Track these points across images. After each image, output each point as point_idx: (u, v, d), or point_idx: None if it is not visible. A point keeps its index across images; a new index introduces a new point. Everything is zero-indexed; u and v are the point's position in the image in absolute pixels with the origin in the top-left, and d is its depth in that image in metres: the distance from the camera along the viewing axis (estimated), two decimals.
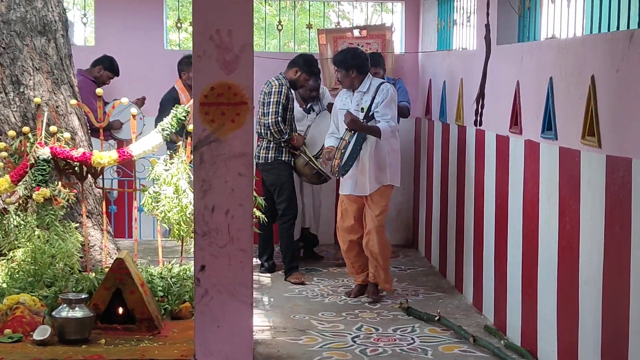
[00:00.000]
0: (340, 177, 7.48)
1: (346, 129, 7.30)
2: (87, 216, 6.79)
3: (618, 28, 5.18)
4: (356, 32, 9.72)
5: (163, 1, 10.11)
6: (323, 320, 6.85)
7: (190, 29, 10.77)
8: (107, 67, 8.99)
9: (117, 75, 9.10)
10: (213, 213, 4.85)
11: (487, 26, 4.47)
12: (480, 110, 4.22)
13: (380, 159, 7.41)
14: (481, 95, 4.25)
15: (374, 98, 7.37)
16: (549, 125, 5.66)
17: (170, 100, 8.40)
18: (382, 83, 7.51)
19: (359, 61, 7.48)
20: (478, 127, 4.51)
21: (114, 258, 6.79)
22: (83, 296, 5.56)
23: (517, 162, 6.25)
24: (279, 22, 10.12)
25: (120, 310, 5.65)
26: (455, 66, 8.21)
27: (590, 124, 5.00)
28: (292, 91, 8.36)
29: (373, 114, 7.36)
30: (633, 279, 4.48)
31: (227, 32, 4.79)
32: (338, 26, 10.68)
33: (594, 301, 4.96)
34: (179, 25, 10.51)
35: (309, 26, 10.36)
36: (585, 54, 5.16)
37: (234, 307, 4.88)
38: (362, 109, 7.39)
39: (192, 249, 6.84)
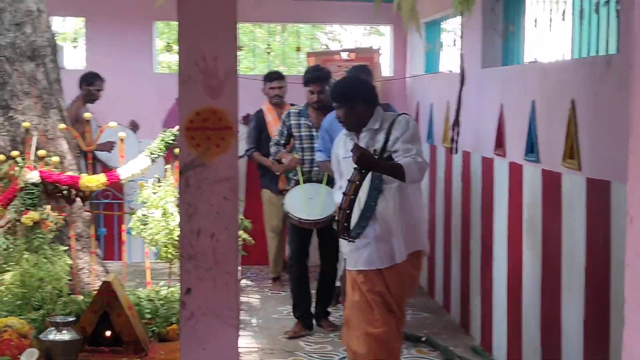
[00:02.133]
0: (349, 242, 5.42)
1: (355, 170, 5.22)
2: (76, 239, 6.82)
3: (588, 53, 5.27)
4: (344, 55, 9.81)
5: (152, 25, 10.20)
6: (311, 341, 6.91)
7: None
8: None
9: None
10: (199, 236, 4.87)
11: (462, 56, 4.54)
12: (456, 137, 4.28)
13: (408, 214, 5.47)
14: (456, 123, 4.32)
15: (388, 135, 5.45)
16: (531, 148, 5.73)
17: (254, 123, 8.89)
18: (399, 115, 5.61)
19: (364, 89, 5.66)
20: (454, 154, 4.60)
21: (102, 280, 6.85)
22: (70, 319, 5.59)
23: (501, 183, 6.32)
24: (268, 45, 10.23)
25: (108, 332, 5.67)
26: (442, 89, 8.29)
27: (571, 146, 5.07)
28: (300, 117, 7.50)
29: (390, 155, 5.41)
30: (613, 300, 4.55)
31: (212, 58, 4.82)
32: (326, 49, 10.77)
33: (576, 322, 5.02)
34: (168, 49, 10.60)
35: (298, 49, 10.45)
36: (566, 77, 5.24)
37: (219, 330, 4.89)
38: (375, 151, 5.37)
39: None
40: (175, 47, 10.95)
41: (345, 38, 17.00)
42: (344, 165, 5.63)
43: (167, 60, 13.03)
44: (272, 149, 7.67)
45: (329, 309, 7.59)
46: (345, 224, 5.18)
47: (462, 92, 4.46)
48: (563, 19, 5.71)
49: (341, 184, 5.59)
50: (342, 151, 5.69)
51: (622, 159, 4.43)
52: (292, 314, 7.44)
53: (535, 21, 6.16)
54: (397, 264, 5.41)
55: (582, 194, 4.93)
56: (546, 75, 5.56)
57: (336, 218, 5.25)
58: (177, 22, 4.98)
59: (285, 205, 7.13)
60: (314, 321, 7.41)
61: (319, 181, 7.23)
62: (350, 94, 5.58)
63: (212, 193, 4.87)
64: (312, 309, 7.45)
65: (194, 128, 4.88)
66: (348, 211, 5.14)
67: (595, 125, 4.80)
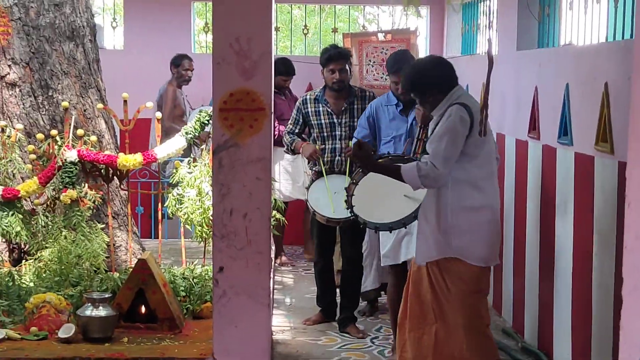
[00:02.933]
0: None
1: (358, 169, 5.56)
2: (113, 217, 6.93)
3: (623, 36, 5.24)
4: (381, 36, 9.80)
5: (191, 6, 10.27)
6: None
7: None
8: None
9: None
10: (231, 216, 4.97)
11: (489, 41, 4.54)
12: (484, 120, 4.29)
13: (442, 215, 4.98)
14: (485, 106, 4.32)
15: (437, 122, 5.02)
16: (565, 131, 5.73)
17: None
18: (454, 104, 4.94)
19: (441, 73, 5.12)
20: (483, 136, 4.63)
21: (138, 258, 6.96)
22: (107, 296, 5.69)
23: (535, 166, 6.33)
24: (305, 26, 10.25)
25: (143, 309, 5.78)
26: (478, 70, 8.26)
27: (604, 130, 5.07)
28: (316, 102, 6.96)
29: (398, 155, 5.65)
30: None
31: (246, 39, 4.90)
32: (364, 30, 10.78)
33: (606, 305, 5.02)
34: (206, 30, 10.65)
35: (335, 30, 10.46)
36: (600, 61, 5.23)
37: (251, 308, 4.99)
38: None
39: None
40: (209, 27, 11.06)
41: (382, 19, 17.00)
42: None
43: (205, 40, 13.10)
44: (287, 139, 7.01)
45: (356, 314, 7.04)
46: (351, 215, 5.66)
47: (490, 76, 4.44)
48: (598, 2, 5.68)
49: None
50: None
51: None
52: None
53: (571, 4, 6.15)
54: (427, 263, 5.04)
55: (614, 178, 4.93)
56: (580, 58, 5.55)
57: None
58: (212, 3, 5.05)
59: (309, 202, 6.64)
60: (337, 311, 7.02)
61: (342, 172, 6.69)
62: (426, 80, 5.06)
63: (245, 173, 4.95)
64: (337, 299, 7.11)
65: (228, 109, 4.96)
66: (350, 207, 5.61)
67: (629, 109, 4.78)
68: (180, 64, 9.46)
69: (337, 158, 6.77)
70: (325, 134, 6.83)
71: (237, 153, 4.92)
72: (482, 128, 4.31)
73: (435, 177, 4.81)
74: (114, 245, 6.85)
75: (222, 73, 4.91)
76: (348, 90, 6.83)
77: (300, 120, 6.98)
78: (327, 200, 6.53)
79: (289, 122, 7.08)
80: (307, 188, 6.80)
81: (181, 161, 6.79)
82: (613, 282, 4.92)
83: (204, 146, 6.73)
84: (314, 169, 6.88)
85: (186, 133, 6.71)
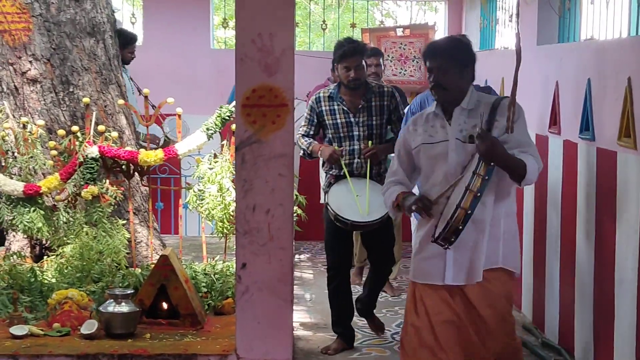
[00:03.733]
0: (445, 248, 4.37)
1: (480, 160, 4.25)
2: (134, 213, 6.94)
3: (638, 32, 5.23)
4: (399, 32, 9.79)
5: (209, 1, 10.27)
6: None
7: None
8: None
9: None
10: (254, 212, 4.98)
11: (518, 35, 4.51)
12: (512, 117, 4.23)
13: (495, 224, 4.43)
14: (513, 102, 4.27)
15: (492, 121, 4.39)
16: (586, 126, 5.71)
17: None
18: (503, 98, 4.54)
19: (470, 53, 4.63)
20: (510, 133, 4.55)
21: (160, 254, 6.97)
22: (129, 292, 5.70)
23: (555, 161, 6.31)
24: (324, 21, 10.26)
25: (165, 305, 5.79)
26: (497, 65, 8.25)
27: (627, 125, 5.05)
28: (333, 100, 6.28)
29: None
30: None
31: (268, 35, 4.91)
32: (382, 25, 10.77)
33: (629, 301, 5.01)
34: (224, 25, 10.66)
35: (353, 25, 10.45)
36: (623, 56, 5.21)
37: (274, 304, 5.00)
38: (472, 137, 4.36)
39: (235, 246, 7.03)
40: (232, 23, 11.06)
41: (399, 14, 16.99)
42: (423, 155, 4.52)
43: (223, 36, 13.11)
44: (303, 142, 6.36)
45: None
46: (460, 227, 4.22)
47: (518, 72, 4.41)
48: None
49: (400, 176, 4.66)
50: (421, 137, 4.53)
51: None
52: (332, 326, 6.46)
53: None
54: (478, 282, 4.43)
55: (637, 173, 4.91)
56: (602, 53, 5.53)
57: (451, 218, 4.22)
58: (234, 0, 5.05)
59: (331, 206, 6.07)
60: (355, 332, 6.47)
61: (362, 176, 6.17)
62: (457, 53, 4.48)
63: (268, 169, 4.96)
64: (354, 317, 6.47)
65: (250, 105, 4.97)
66: (469, 212, 4.20)
67: None
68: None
69: (356, 160, 6.16)
70: (341, 135, 6.20)
71: (259, 149, 4.93)
72: (510, 125, 4.26)
73: (539, 169, 4.37)
74: (135, 241, 6.87)
75: (244, 69, 4.91)
76: (365, 87, 6.19)
77: (315, 120, 6.31)
78: (352, 202, 6.03)
79: (302, 123, 6.40)
80: (325, 192, 6.24)
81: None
82: (636, 278, 4.90)
83: (225, 142, 6.73)
84: (330, 172, 6.27)
85: (207, 129, 6.72)
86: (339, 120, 6.23)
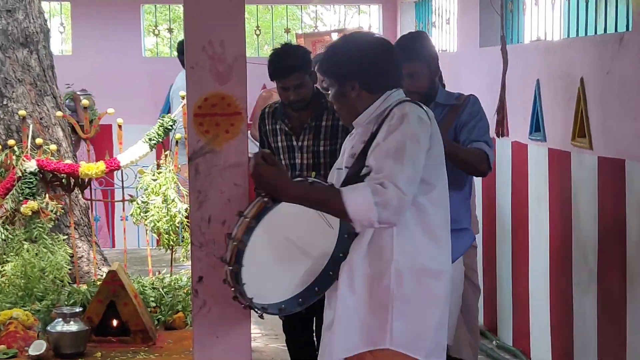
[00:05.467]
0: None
1: (259, 195, 3.38)
2: (74, 227, 6.75)
3: (596, 32, 5.22)
4: (334, 36, 9.72)
5: (140, 8, 10.09)
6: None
7: (166, 34, 10.76)
8: None
9: None
10: (209, 224, 4.82)
11: (503, 38, 4.48)
12: (502, 120, 4.14)
13: (379, 280, 3.20)
14: (502, 106, 4.21)
15: (374, 136, 3.24)
16: (537, 127, 5.70)
17: None
18: (403, 102, 3.27)
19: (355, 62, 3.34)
20: (501, 137, 4.40)
21: (102, 269, 6.79)
22: (77, 309, 5.52)
23: (504, 163, 6.29)
24: (257, 26, 10.14)
25: (115, 322, 5.62)
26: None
27: (581, 125, 5.05)
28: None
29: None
30: (629, 279, 4.53)
31: (219, 43, 4.77)
32: (316, 30, 10.71)
33: (588, 302, 5.00)
34: (155, 33, 10.48)
35: (287, 30, 10.37)
36: (574, 56, 5.21)
37: (232, 318, 4.84)
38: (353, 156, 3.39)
39: (182, 258, 6.89)
40: (162, 32, 10.89)
41: (328, 18, 16.96)
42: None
43: (154, 43, 12.93)
44: None
45: None
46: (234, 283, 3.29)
47: (505, 74, 4.35)
48: None
49: None
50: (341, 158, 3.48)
51: (639, 138, 4.43)
52: None
53: (537, 0, 6.13)
54: None
55: (593, 173, 4.91)
56: (552, 54, 5.53)
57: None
58: (183, 6, 4.91)
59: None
60: None
61: None
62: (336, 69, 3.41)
63: (223, 179, 4.81)
64: None
65: (203, 114, 4.80)
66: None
67: (607, 104, 4.77)
68: None
69: None
70: (283, 162, 4.94)
71: (213, 159, 4.77)
72: (500, 129, 4.18)
73: (400, 206, 3.02)
74: (76, 256, 6.67)
75: (195, 77, 4.76)
76: (317, 102, 4.93)
77: (265, 141, 5.12)
78: None
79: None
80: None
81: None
82: (596, 279, 4.90)
83: (168, 152, 6.58)
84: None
85: (149, 139, 6.56)
86: (280, 144, 5.00)
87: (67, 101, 8.46)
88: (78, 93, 8.56)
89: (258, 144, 5.27)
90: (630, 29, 4.68)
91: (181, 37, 10.78)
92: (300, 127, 4.93)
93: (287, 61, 4.83)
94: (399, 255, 3.14)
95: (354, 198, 3.01)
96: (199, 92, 4.79)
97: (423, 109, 3.27)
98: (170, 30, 10.56)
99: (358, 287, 3.20)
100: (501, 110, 4.25)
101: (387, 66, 3.35)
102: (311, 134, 4.90)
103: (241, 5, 4.81)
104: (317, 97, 4.92)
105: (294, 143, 4.93)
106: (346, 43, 3.51)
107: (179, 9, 11.58)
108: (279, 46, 5.00)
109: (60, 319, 5.42)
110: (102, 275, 6.52)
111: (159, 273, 6.61)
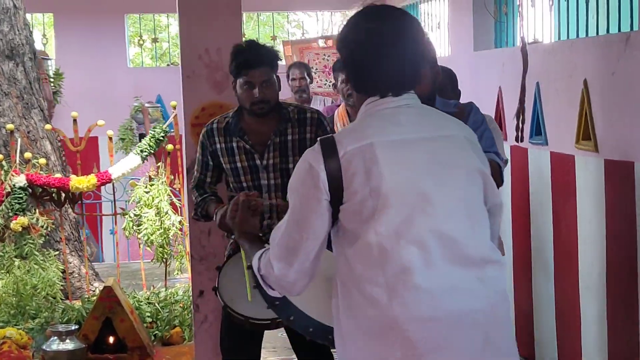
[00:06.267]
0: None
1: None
2: (65, 242, 6.61)
3: (597, 32, 5.15)
4: (321, 42, 9.64)
5: (124, 19, 9.96)
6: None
7: (150, 45, 10.64)
8: None
9: None
10: (210, 237, 4.74)
11: (523, 39, 4.35)
12: (521, 125, 4.01)
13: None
14: (521, 110, 4.05)
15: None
16: (537, 131, 5.61)
17: None
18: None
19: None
20: (519, 143, 4.25)
21: (94, 284, 6.66)
22: (73, 327, 5.39)
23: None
24: (243, 34, 10.03)
25: (111, 339, 5.49)
26: None
27: (585, 128, 4.95)
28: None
29: None
30: None
31: (216, 50, 4.69)
32: (303, 37, 10.62)
33: (596, 308, 4.91)
34: (140, 43, 10.36)
35: (274, 38, 10.27)
36: (576, 57, 5.11)
37: None
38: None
39: (176, 271, 6.76)
40: (146, 43, 10.78)
41: (309, 25, 16.85)
42: None
43: (140, 53, 12.82)
44: (194, 196, 4.40)
45: None
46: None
47: (525, 76, 4.20)
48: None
49: None
50: None
51: None
52: None
53: (533, 1, 6.05)
54: None
55: (600, 177, 4.81)
56: (552, 56, 5.44)
57: None
58: (177, 14, 4.80)
59: (221, 294, 3.92)
60: None
61: None
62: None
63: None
64: None
65: (200, 124, 4.71)
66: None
67: (613, 105, 4.68)
68: None
69: (265, 223, 4.21)
70: (244, 185, 4.30)
71: None
72: (518, 133, 4.03)
73: (283, 287, 2.69)
74: (68, 272, 6.53)
75: (192, 86, 4.68)
76: (278, 113, 4.32)
77: (211, 163, 4.38)
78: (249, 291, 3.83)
79: (195, 168, 4.46)
80: (219, 268, 4.03)
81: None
82: (604, 284, 4.81)
83: (160, 163, 6.46)
84: (232, 237, 4.14)
85: (141, 151, 6.43)
86: (239, 164, 4.31)
87: (134, 113, 8.44)
88: (146, 105, 8.53)
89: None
90: (635, 29, 4.60)
91: (166, 46, 10.68)
92: (262, 144, 4.28)
93: (255, 52, 4.25)
94: (344, 319, 2.64)
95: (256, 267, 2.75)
96: (197, 102, 4.71)
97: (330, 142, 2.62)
98: (154, 41, 10.43)
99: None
100: (521, 114, 4.12)
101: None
102: (276, 150, 4.28)
103: (238, 12, 4.73)
104: (279, 107, 4.32)
105: (258, 162, 4.28)
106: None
107: (163, 19, 11.45)
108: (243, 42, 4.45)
109: (55, 337, 5.29)
110: (94, 291, 6.39)
111: (153, 287, 6.47)
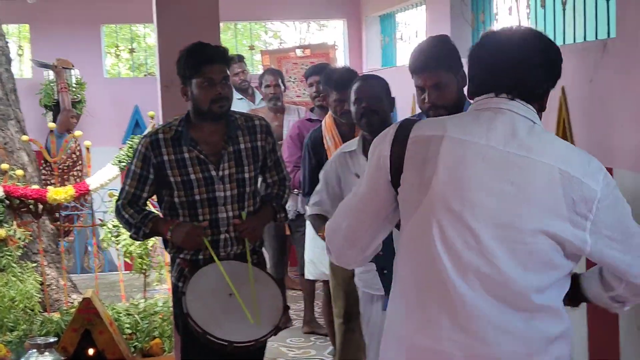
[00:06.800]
0: None
1: None
2: (43, 254, 6.56)
3: (574, 40, 5.17)
4: (299, 52, 9.62)
5: (100, 29, 9.92)
6: (292, 346, 6.72)
7: (126, 55, 10.61)
8: None
9: None
10: None
11: None
12: None
13: None
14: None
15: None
16: None
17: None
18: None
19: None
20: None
21: (72, 296, 6.60)
22: (51, 340, 5.34)
23: None
24: (221, 45, 10.03)
25: (91, 351, 5.45)
26: (406, 82, 8.14)
27: (563, 135, 4.97)
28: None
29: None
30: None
31: None
32: (281, 46, 10.61)
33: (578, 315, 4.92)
34: (117, 53, 10.32)
35: (251, 47, 10.25)
36: None
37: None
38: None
39: (155, 282, 6.72)
40: (123, 54, 10.76)
41: (286, 35, 16.86)
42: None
43: (115, 63, 12.76)
44: (129, 214, 4.13)
45: None
46: None
47: None
48: (542, 6, 5.61)
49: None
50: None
51: (625, 146, 4.35)
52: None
53: (510, 9, 6.07)
54: None
55: None
56: None
57: None
58: (155, 24, 4.79)
59: (194, 317, 3.79)
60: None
61: (233, 258, 4.13)
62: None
63: None
64: None
65: None
66: None
67: (592, 112, 4.70)
68: None
69: (222, 237, 4.12)
70: (197, 198, 4.07)
71: None
72: None
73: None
74: (46, 284, 6.47)
75: (170, 96, 4.66)
76: (226, 120, 4.17)
77: (151, 177, 4.10)
78: (230, 308, 3.89)
79: (127, 182, 4.14)
80: (180, 291, 3.96)
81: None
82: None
83: None
84: (181, 255, 4.13)
85: (119, 161, 6.39)
86: (193, 176, 4.07)
87: None
88: None
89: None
90: (612, 36, 4.62)
91: (143, 57, 10.63)
92: (216, 154, 4.10)
93: (212, 49, 4.16)
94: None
95: None
96: (175, 112, 4.65)
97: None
98: (131, 51, 10.40)
99: None
100: None
101: None
102: (231, 160, 4.12)
103: (216, 22, 4.72)
104: (227, 114, 4.17)
105: (213, 173, 4.07)
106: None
107: (140, 29, 11.42)
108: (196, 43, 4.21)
109: (34, 350, 5.23)
110: (72, 303, 6.34)
111: (133, 298, 6.42)
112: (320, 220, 4.37)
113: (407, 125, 2.54)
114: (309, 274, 6.29)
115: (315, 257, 6.11)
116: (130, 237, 4.26)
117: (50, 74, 9.31)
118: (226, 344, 3.71)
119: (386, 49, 9.39)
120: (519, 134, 2.43)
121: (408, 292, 2.49)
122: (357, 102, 4.41)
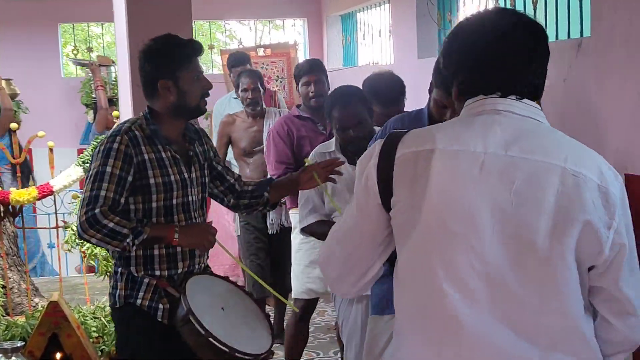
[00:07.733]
0: None
1: None
2: (4, 257, 6.45)
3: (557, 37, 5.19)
4: (260, 52, 9.58)
5: (57, 28, 9.80)
6: None
7: (85, 54, 10.48)
8: None
9: None
10: None
11: None
12: None
13: None
14: None
15: None
16: None
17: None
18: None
19: None
20: None
21: (34, 299, 6.49)
22: (18, 344, 5.22)
23: None
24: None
25: (58, 355, 5.35)
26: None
27: None
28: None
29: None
30: None
31: None
32: (241, 46, 10.54)
33: None
34: (75, 52, 10.20)
35: (211, 47, 10.18)
36: None
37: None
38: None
39: None
40: (77, 49, 10.60)
41: (243, 35, 16.78)
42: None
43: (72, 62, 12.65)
44: (114, 222, 3.42)
45: None
46: None
47: None
48: (512, 5, 5.62)
49: None
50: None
51: (600, 146, 4.36)
52: None
53: (477, 8, 6.07)
54: None
55: None
56: None
57: None
58: (127, 23, 4.71)
59: (199, 319, 3.41)
60: None
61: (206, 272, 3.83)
62: None
63: None
64: None
65: None
66: None
67: (565, 112, 4.71)
68: None
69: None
70: (175, 202, 3.66)
71: None
72: None
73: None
74: (7, 287, 6.36)
75: (142, 95, 4.57)
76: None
77: (130, 179, 3.55)
78: (223, 320, 3.56)
79: (104, 186, 3.47)
80: (182, 288, 3.55)
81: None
82: None
83: None
84: (157, 276, 3.67)
85: (83, 162, 6.29)
86: (172, 177, 3.66)
87: None
88: None
89: None
90: (585, 35, 4.63)
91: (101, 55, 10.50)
92: (185, 155, 3.74)
93: (194, 40, 3.88)
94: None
95: None
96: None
97: None
98: (89, 50, 10.28)
99: None
100: None
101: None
102: (197, 163, 3.79)
103: (189, 20, 4.65)
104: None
105: (185, 175, 3.70)
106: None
107: (98, 28, 11.30)
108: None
109: (0, 355, 5.12)
110: (35, 306, 6.24)
111: (97, 301, 6.33)
112: (325, 225, 4.17)
113: (392, 142, 2.26)
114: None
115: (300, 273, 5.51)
116: (117, 248, 3.52)
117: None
118: (227, 350, 3.37)
119: (347, 49, 9.37)
120: (522, 135, 2.19)
121: (413, 327, 2.24)
122: (341, 130, 4.28)
